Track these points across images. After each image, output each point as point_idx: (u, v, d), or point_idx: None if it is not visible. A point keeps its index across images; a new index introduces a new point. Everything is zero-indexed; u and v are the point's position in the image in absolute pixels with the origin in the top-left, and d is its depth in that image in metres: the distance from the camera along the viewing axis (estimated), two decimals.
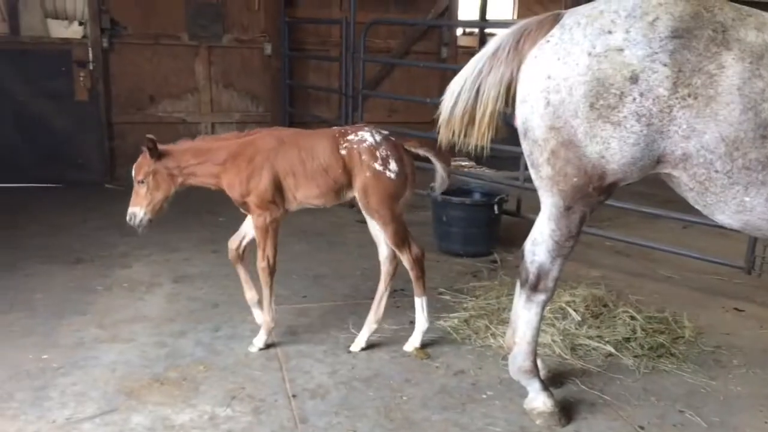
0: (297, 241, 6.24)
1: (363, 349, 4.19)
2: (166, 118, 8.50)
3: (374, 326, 4.24)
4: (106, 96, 8.19)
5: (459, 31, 10.98)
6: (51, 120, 7.95)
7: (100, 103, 8.13)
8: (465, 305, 4.86)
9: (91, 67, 8.05)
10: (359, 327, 4.43)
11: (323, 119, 8.90)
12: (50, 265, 5.41)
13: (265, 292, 4.07)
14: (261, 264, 4.03)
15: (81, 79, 8.03)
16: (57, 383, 3.68)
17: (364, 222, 6.92)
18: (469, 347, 4.29)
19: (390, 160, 3.91)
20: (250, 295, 4.27)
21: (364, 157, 3.88)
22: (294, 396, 3.65)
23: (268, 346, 4.18)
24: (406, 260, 4.08)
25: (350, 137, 3.94)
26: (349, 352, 4.15)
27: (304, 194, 3.97)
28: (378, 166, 3.88)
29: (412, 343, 4.22)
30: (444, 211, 6.03)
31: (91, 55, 8.04)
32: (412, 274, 4.13)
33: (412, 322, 4.61)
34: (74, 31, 11.30)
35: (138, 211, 3.88)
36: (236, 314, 4.65)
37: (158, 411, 3.47)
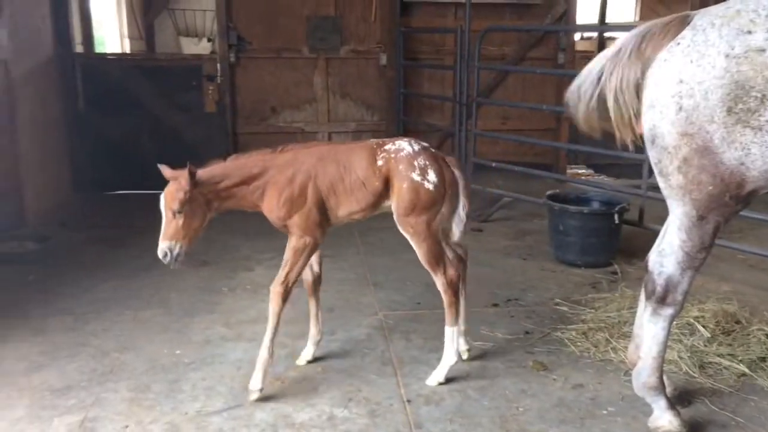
0: (410, 250, 6.26)
1: (473, 359, 4.17)
2: (286, 128, 8.84)
3: (461, 328, 4.08)
4: (232, 108, 8.64)
5: (577, 36, 10.71)
6: (182, 131, 8.48)
7: (227, 114, 8.59)
8: (583, 317, 4.71)
9: (219, 81, 8.52)
10: (473, 335, 4.42)
11: (437, 127, 8.95)
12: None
13: (272, 322, 3.71)
14: (278, 288, 3.68)
15: (210, 92, 8.52)
16: (188, 377, 3.92)
17: (478, 230, 6.99)
18: (588, 360, 4.16)
19: (429, 171, 3.70)
20: (314, 330, 4.12)
21: (401, 166, 3.70)
22: (409, 401, 3.69)
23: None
24: (439, 283, 3.82)
25: (387, 147, 3.77)
26: (463, 360, 4.13)
27: (345, 211, 3.76)
28: (416, 176, 3.68)
29: (435, 377, 3.88)
30: (561, 220, 5.89)
31: (219, 69, 8.50)
32: (444, 299, 3.84)
33: (527, 332, 4.54)
34: (203, 47, 12.06)
35: (173, 245, 3.52)
36: (351, 318, 4.76)
37: (280, 408, 3.62)
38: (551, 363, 4.12)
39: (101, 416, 3.56)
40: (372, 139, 3.98)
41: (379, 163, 3.72)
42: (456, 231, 3.92)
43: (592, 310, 4.81)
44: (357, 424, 3.47)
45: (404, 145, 3.77)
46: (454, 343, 3.87)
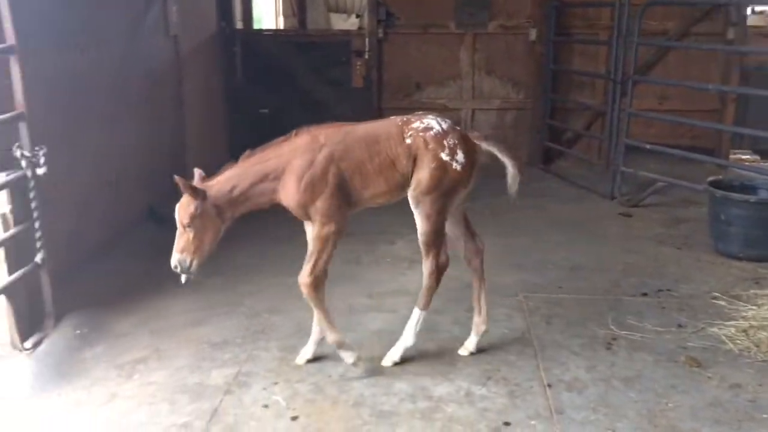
0: (554, 231, 6.13)
1: (619, 349, 3.98)
2: (429, 104, 8.82)
3: (483, 327, 3.95)
4: (378, 83, 8.76)
5: (749, 10, 9.79)
6: (330, 105, 8.72)
7: (373, 89, 8.72)
8: (744, 314, 4.37)
9: (366, 56, 8.66)
10: (619, 324, 4.25)
11: (587, 106, 8.59)
12: None
13: (318, 311, 3.67)
14: (307, 279, 3.58)
15: (357, 67, 8.68)
16: (330, 345, 4.05)
17: (627, 215, 6.66)
18: (748, 360, 3.86)
19: (458, 151, 3.57)
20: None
21: (431, 145, 3.55)
22: (549, 385, 3.61)
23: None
24: (428, 265, 3.69)
25: (415, 125, 3.60)
26: (472, 353, 3.94)
27: (371, 193, 3.60)
28: (444, 156, 3.55)
29: (390, 357, 3.83)
30: (723, 209, 5.47)
31: (367, 44, 8.64)
32: (425, 282, 3.74)
33: (680, 326, 4.30)
34: (352, 23, 12.30)
35: (186, 258, 3.44)
36: (491, 297, 4.66)
37: (418, 380, 3.67)
38: (706, 360, 3.86)
39: (253, 371, 3.79)
40: (395, 117, 3.75)
41: (408, 141, 3.56)
42: (513, 186, 3.78)
43: (755, 307, 4.44)
44: (495, 404, 3.45)
45: (433, 123, 3.61)
46: (416, 326, 3.79)
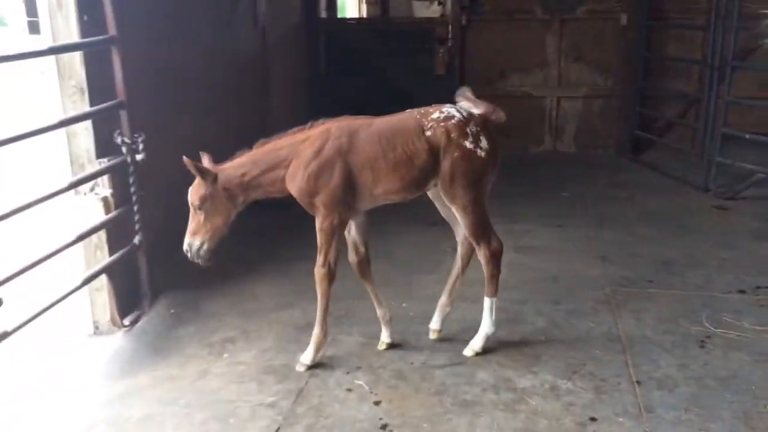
0: (644, 224, 5.92)
1: (713, 347, 3.82)
2: (513, 92, 8.68)
3: (447, 309, 3.94)
4: (460, 71, 8.67)
5: None
6: (412, 93, 8.66)
7: (456, 77, 8.64)
8: None
9: (449, 44, 8.59)
10: (714, 322, 4.08)
11: (681, 93, 8.23)
12: (408, 226, 5.96)
13: (321, 302, 3.65)
14: (321, 270, 3.56)
15: (440, 55, 8.62)
16: (414, 330, 4.08)
17: (722, 208, 6.35)
18: None
19: (481, 137, 3.44)
20: (380, 311, 3.93)
21: (453, 134, 3.41)
22: (638, 382, 3.50)
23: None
24: (482, 254, 3.62)
25: (434, 116, 3.47)
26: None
27: (383, 189, 3.49)
28: (469, 144, 3.42)
29: (472, 347, 3.79)
30: None
31: (450, 32, 8.56)
32: (486, 270, 3.67)
33: None
34: (434, 10, 12.21)
35: (196, 241, 3.46)
36: (577, 290, 4.61)
37: (501, 372, 3.64)
38: None
39: (337, 355, 3.85)
40: (412, 110, 3.60)
41: (428, 133, 3.43)
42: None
43: None
44: (581, 398, 3.38)
45: (453, 112, 3.48)
46: (492, 314, 3.73)
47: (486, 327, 3.79)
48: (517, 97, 8.64)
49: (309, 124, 3.56)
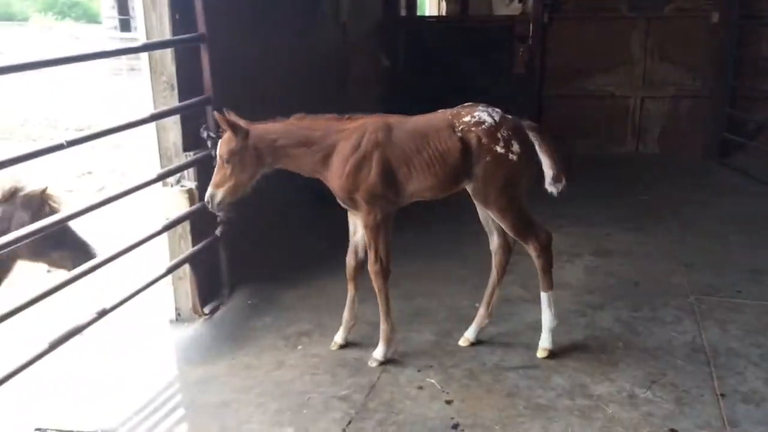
0: (732, 231, 5.67)
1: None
2: (595, 92, 8.47)
3: (485, 321, 3.87)
4: (540, 69, 8.52)
5: None
6: (489, 91, 8.57)
7: (536, 76, 8.50)
8: None
9: (529, 42, 8.45)
10: None
11: None
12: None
13: (381, 298, 3.67)
14: (374, 267, 3.59)
15: (520, 53, 8.50)
16: (487, 331, 4.03)
17: None
18: None
19: (513, 142, 3.41)
20: (348, 315, 3.93)
21: (484, 140, 3.39)
22: (723, 395, 3.36)
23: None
24: (531, 250, 3.61)
25: (466, 119, 3.45)
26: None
27: (416, 186, 3.50)
28: (500, 149, 3.39)
29: (542, 346, 3.74)
30: None
31: (531, 30, 8.42)
32: (537, 264, 3.64)
33: None
34: (514, 8, 12.01)
35: (217, 192, 3.47)
36: (657, 297, 4.46)
37: (577, 377, 3.56)
38: None
39: (408, 352, 3.87)
40: (445, 110, 3.59)
41: (458, 135, 3.42)
42: (552, 189, 3.54)
43: None
44: (661, 409, 3.27)
45: (484, 117, 3.45)
46: (551, 308, 3.68)
47: (548, 322, 3.74)
48: (599, 97, 8.44)
49: (347, 116, 3.58)
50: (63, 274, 3.42)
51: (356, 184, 3.45)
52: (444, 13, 12.76)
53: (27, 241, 3.05)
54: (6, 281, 3.38)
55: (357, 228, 3.73)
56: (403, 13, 9.53)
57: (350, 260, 3.82)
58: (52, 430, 3.35)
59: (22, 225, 3.14)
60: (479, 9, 13.06)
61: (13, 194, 3.19)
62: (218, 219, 3.64)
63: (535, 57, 8.45)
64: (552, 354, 3.74)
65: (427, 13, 12.70)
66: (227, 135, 3.44)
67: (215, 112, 3.43)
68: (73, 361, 4.23)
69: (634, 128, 8.47)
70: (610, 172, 7.48)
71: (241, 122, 3.45)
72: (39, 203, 3.20)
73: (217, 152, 3.48)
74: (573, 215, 6.00)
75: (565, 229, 5.78)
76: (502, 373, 3.63)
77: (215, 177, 3.49)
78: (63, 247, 3.32)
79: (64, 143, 3.14)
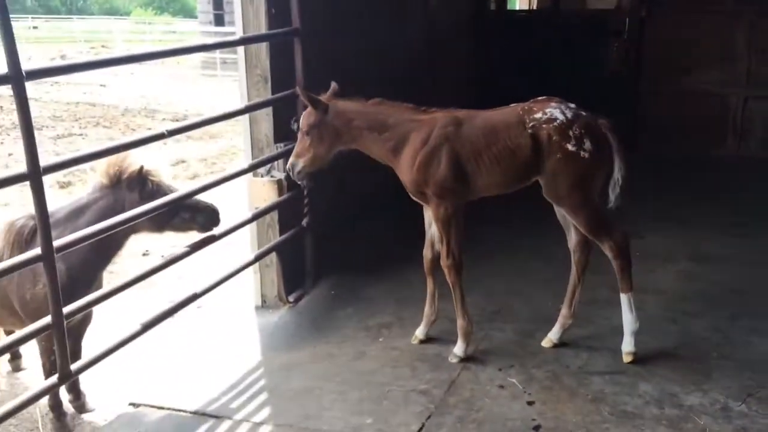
0: None
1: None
2: (694, 90, 8.08)
3: (568, 322, 3.71)
4: (636, 66, 8.21)
5: None
6: (583, 88, 8.33)
7: (631, 73, 8.19)
8: None
9: (625, 37, 8.15)
10: None
11: None
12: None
13: (456, 293, 3.63)
14: (446, 261, 3.57)
15: (615, 49, 8.22)
16: (572, 333, 3.93)
17: None
18: None
19: (585, 139, 3.33)
20: (429, 310, 3.92)
21: (555, 137, 3.32)
22: None
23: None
24: (607, 249, 3.50)
25: (537, 115, 3.38)
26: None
27: (486, 181, 3.47)
28: (571, 147, 3.32)
29: (626, 350, 3.61)
30: None
31: (627, 24, 8.13)
32: (614, 265, 3.52)
33: None
34: (610, 2, 11.62)
35: (298, 162, 3.60)
36: (762, 306, 4.22)
37: (667, 386, 3.43)
38: None
39: (489, 350, 3.83)
40: (516, 104, 3.52)
41: (529, 131, 3.35)
42: (611, 196, 3.48)
43: None
44: (757, 424, 3.10)
45: (556, 114, 3.36)
46: (632, 311, 3.55)
47: (629, 325, 3.62)
48: (699, 95, 8.04)
49: (422, 108, 3.59)
50: (158, 259, 3.58)
51: (426, 177, 3.47)
52: (535, 7, 12.50)
53: (149, 216, 3.27)
54: (115, 258, 3.58)
55: (431, 221, 3.74)
56: (492, 7, 9.39)
57: (427, 253, 3.83)
58: (144, 405, 3.52)
59: (134, 205, 3.30)
60: (572, 3, 12.72)
61: (118, 178, 3.35)
62: (301, 186, 3.85)
63: (630, 53, 8.15)
64: (639, 359, 3.61)
65: (517, 7, 12.47)
66: (308, 109, 3.56)
67: (297, 87, 3.58)
68: (165, 342, 4.44)
69: (736, 128, 8.04)
70: (708, 174, 7.14)
71: (322, 98, 3.54)
72: (141, 181, 3.35)
73: (300, 124, 3.61)
74: (670, 218, 5.76)
75: (660, 233, 5.56)
76: (587, 377, 3.54)
77: (296, 147, 3.63)
78: (181, 212, 3.48)
79: (165, 132, 3.30)
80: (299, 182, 3.81)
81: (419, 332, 3.97)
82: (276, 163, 4.31)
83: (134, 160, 3.40)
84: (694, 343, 3.84)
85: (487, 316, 4.22)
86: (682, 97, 8.03)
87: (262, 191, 4.27)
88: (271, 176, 4.31)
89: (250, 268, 4.37)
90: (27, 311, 3.19)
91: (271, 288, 4.52)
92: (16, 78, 2.45)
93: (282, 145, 4.27)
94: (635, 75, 8.23)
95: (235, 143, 11.19)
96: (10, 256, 3.07)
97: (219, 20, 26.18)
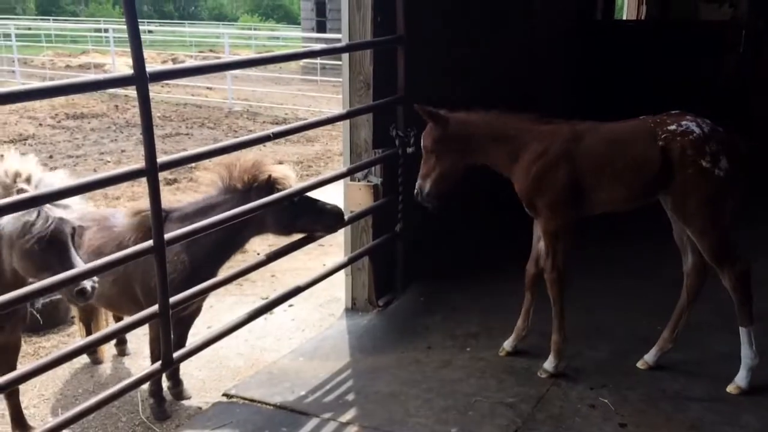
0: None
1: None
2: None
3: (668, 346, 3.49)
4: (753, 82, 7.77)
5: None
6: (691, 102, 8.00)
7: (746, 88, 7.76)
8: None
9: (740, 50, 7.76)
10: None
11: None
12: None
13: (556, 308, 3.55)
14: (551, 275, 3.48)
15: (728, 63, 7.83)
16: (669, 357, 3.75)
17: None
18: None
19: (721, 157, 3.14)
20: (521, 324, 3.84)
21: (689, 152, 3.15)
22: None
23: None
24: (726, 279, 3.30)
25: (671, 128, 3.22)
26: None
27: (605, 196, 3.36)
28: (706, 164, 3.14)
29: (736, 383, 3.41)
30: None
31: (743, 37, 7.73)
32: (734, 297, 3.32)
33: None
34: (724, 12, 11.10)
35: (426, 183, 3.49)
36: None
37: None
38: None
39: (581, 369, 3.74)
40: (646, 117, 3.32)
41: (661, 144, 3.15)
42: None
43: None
44: None
45: (692, 127, 3.15)
46: (752, 345, 3.35)
47: (748, 360, 3.41)
48: None
49: (544, 119, 3.50)
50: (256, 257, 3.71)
51: (540, 188, 3.41)
52: (643, 17, 12.10)
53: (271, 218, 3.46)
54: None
55: (540, 236, 3.66)
56: (599, 16, 9.17)
57: (531, 268, 3.76)
58: (237, 397, 3.66)
59: (260, 210, 3.43)
60: (684, 12, 12.23)
61: (250, 183, 3.50)
62: (429, 209, 3.63)
63: (745, 67, 7.74)
64: (743, 391, 3.42)
65: (624, 17, 12.10)
66: (429, 126, 3.50)
67: (416, 104, 3.49)
68: (258, 336, 4.60)
69: None
70: None
71: (441, 112, 3.51)
72: (269, 189, 3.48)
73: (422, 144, 3.54)
74: None
75: None
76: (684, 402, 3.39)
77: (422, 169, 3.54)
78: (303, 215, 3.58)
79: (271, 135, 3.42)
80: (427, 205, 3.65)
81: (507, 344, 3.92)
82: (373, 168, 4.38)
83: (267, 168, 3.54)
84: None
85: (582, 333, 4.10)
86: None
87: (358, 195, 4.35)
88: (368, 181, 4.38)
89: (342, 271, 4.46)
90: (149, 299, 3.35)
91: (361, 291, 4.59)
92: (141, 79, 2.62)
93: (380, 150, 4.34)
94: (749, 91, 7.80)
95: (330, 147, 11.43)
96: (134, 243, 3.24)
97: (321, 27, 26.88)
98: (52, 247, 2.73)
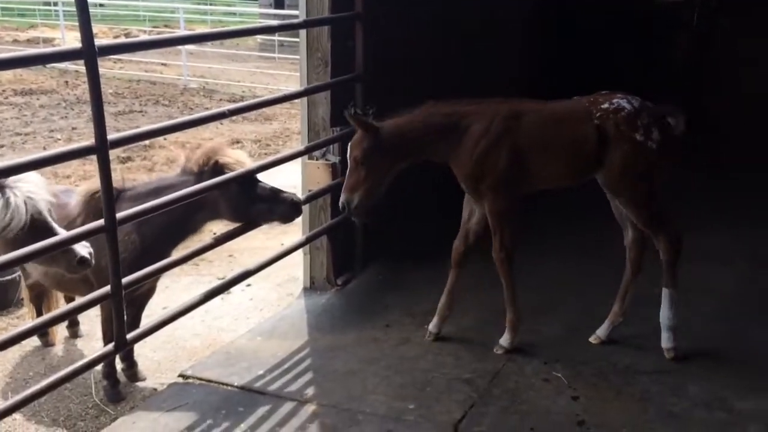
0: None
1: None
2: (764, 90, 7.76)
3: (619, 320, 3.63)
4: (705, 61, 7.92)
5: None
6: (645, 82, 8.07)
7: (700, 68, 7.90)
8: None
9: (694, 30, 7.88)
10: None
11: None
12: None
13: (506, 286, 3.62)
14: (499, 255, 3.52)
15: (681, 43, 7.96)
16: (620, 331, 3.83)
17: None
18: None
19: (653, 129, 3.28)
20: (445, 303, 3.84)
21: (623, 127, 3.28)
22: None
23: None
24: (660, 243, 3.45)
25: (604, 106, 3.34)
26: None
27: (548, 174, 3.46)
28: (639, 137, 3.27)
29: (663, 345, 3.57)
30: None
31: (696, 17, 7.86)
32: (663, 259, 3.47)
33: None
34: None
35: (353, 197, 3.39)
36: None
37: (716, 389, 3.37)
38: None
39: (536, 343, 3.82)
40: (580, 97, 3.45)
41: (596, 122, 3.28)
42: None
43: None
44: None
45: (623, 104, 3.29)
46: (672, 306, 3.51)
47: (667, 320, 3.58)
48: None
49: (478, 100, 3.51)
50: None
51: (484, 169, 3.42)
52: None
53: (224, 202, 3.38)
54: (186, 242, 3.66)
55: (473, 214, 3.68)
56: None
57: (459, 245, 3.77)
58: (194, 378, 3.63)
59: (213, 194, 3.38)
60: None
61: (205, 166, 3.42)
62: (356, 224, 3.59)
63: (698, 47, 7.88)
64: (689, 361, 3.55)
65: None
66: (358, 135, 3.40)
67: (346, 112, 3.41)
68: (215, 317, 4.56)
69: None
70: None
71: (371, 120, 3.43)
72: (218, 173, 3.38)
73: (349, 154, 3.42)
74: (724, 217, 5.59)
75: (728, 232, 5.32)
76: (634, 375, 3.49)
77: (349, 180, 3.41)
78: (259, 202, 3.48)
79: (227, 112, 3.36)
80: (355, 219, 3.58)
81: (432, 327, 3.90)
82: (331, 146, 4.35)
83: (224, 152, 3.45)
84: (749, 347, 3.73)
85: (536, 310, 4.18)
86: (749, 98, 7.73)
87: (316, 174, 4.32)
88: (326, 159, 4.35)
89: (301, 250, 4.43)
90: (100, 278, 3.28)
91: (320, 270, 4.58)
92: (90, 53, 2.54)
93: (338, 129, 4.30)
94: (703, 70, 7.95)
95: (288, 126, 11.30)
96: (83, 224, 3.16)
97: (279, 3, 26.41)
98: (36, 231, 2.74)
